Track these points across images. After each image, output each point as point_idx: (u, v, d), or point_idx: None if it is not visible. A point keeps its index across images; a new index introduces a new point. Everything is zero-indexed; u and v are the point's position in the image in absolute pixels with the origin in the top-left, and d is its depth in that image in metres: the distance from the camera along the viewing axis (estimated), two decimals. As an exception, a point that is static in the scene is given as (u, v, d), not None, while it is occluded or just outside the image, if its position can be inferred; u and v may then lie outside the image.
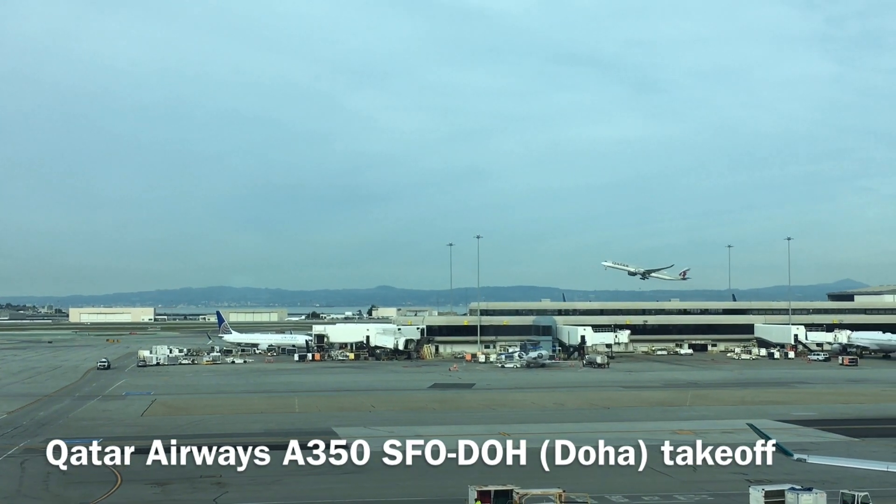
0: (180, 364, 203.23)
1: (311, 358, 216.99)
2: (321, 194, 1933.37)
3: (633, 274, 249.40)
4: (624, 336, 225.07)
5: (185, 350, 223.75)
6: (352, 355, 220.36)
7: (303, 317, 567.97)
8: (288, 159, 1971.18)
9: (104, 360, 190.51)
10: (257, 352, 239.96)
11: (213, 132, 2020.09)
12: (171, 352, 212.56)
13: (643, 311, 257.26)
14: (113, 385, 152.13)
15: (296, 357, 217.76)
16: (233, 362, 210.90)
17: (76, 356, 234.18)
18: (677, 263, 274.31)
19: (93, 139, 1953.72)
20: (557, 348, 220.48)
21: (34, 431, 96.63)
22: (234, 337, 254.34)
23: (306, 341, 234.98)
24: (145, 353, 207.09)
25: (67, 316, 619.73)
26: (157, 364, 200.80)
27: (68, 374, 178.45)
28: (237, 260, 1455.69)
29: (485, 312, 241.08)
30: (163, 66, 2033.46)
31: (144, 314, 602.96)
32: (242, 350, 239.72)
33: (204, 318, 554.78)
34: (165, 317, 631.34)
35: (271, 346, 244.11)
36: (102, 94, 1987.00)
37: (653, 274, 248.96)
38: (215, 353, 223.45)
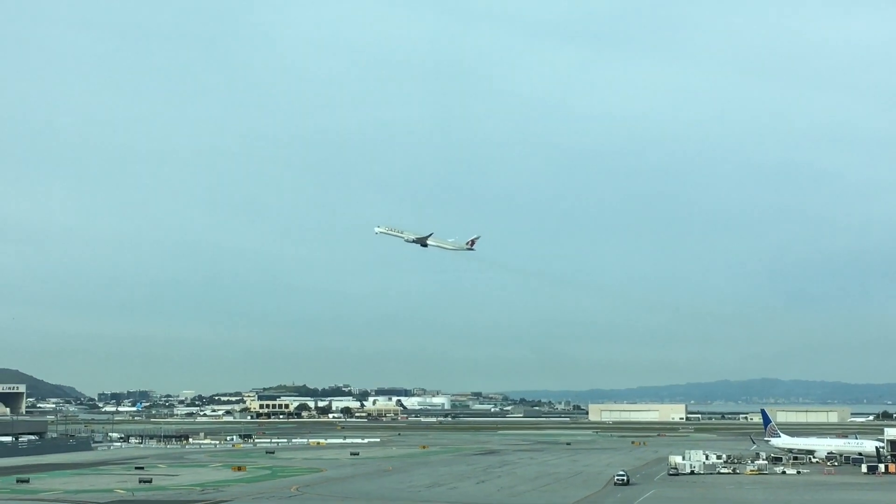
0: (718, 473, 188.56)
1: (883, 470, 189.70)
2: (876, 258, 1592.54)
3: (411, 241, 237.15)
4: None
5: (723, 456, 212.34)
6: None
7: (870, 417, 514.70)
8: (836, 216, 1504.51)
9: (622, 473, 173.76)
10: (813, 460, 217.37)
11: (725, 189, 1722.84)
12: (707, 458, 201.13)
13: None
14: (641, 496, 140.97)
15: (863, 468, 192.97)
16: (783, 472, 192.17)
17: (598, 461, 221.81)
18: None
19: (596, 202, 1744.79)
20: None
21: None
22: (784, 441, 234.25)
23: (877, 448, 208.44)
24: (677, 459, 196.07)
25: (586, 413, 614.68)
26: (692, 472, 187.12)
27: (589, 482, 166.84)
28: (784, 346, 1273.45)
29: None
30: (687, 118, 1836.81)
31: (674, 412, 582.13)
32: (794, 458, 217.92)
33: (746, 418, 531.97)
34: (699, 415, 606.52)
35: (831, 453, 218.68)
36: (608, 153, 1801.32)
37: (430, 242, 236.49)
38: (761, 462, 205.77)
